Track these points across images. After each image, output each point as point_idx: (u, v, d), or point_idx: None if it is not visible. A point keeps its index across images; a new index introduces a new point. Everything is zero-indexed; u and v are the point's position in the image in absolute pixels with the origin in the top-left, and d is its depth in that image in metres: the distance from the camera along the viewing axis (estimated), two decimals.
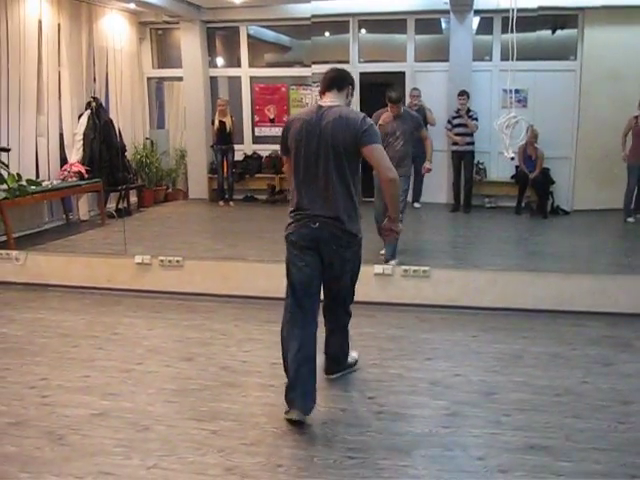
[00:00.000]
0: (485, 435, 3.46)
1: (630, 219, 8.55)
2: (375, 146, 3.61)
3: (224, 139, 10.24)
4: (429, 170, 6.69)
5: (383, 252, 6.34)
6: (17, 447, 3.34)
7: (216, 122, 10.17)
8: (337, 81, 3.81)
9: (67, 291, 6.23)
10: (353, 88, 3.88)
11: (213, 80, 11.22)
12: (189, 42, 10.74)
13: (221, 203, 10.33)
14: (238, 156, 10.85)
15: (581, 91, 9.37)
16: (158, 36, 11.20)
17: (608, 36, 9.17)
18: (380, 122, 6.13)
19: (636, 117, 8.56)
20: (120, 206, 9.27)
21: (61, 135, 8.88)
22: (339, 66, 4.03)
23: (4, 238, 7.07)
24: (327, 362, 4.18)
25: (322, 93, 3.83)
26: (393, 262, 6.10)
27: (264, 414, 3.72)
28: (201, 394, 3.98)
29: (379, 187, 5.91)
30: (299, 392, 3.61)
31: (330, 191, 3.65)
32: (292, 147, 3.74)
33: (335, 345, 4.13)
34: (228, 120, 10.19)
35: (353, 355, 4.33)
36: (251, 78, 11.03)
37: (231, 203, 10.35)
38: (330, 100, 3.76)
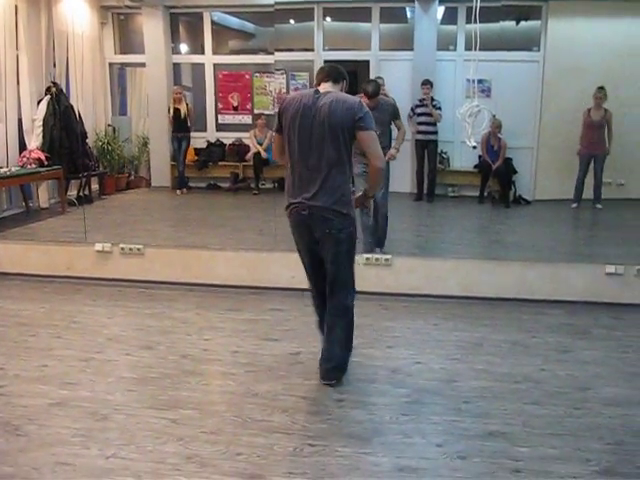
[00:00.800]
0: (445, 422, 3.48)
1: (574, 205, 8.77)
2: (371, 132, 3.72)
3: (180, 127, 10.16)
4: (393, 157, 6.53)
5: None
6: None
7: (171, 110, 10.08)
8: (333, 74, 3.88)
9: (26, 280, 6.13)
10: (347, 84, 3.96)
11: (176, 67, 11.11)
12: (152, 28, 10.59)
13: (177, 192, 10.24)
14: (201, 143, 10.78)
15: (544, 82, 9.47)
16: (120, 21, 11.02)
17: (572, 28, 9.28)
18: None
19: (589, 110, 8.70)
20: (81, 193, 9.13)
21: (20, 121, 8.69)
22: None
23: None
24: (328, 366, 3.98)
25: (317, 85, 3.89)
26: (378, 250, 6.10)
27: (224, 402, 3.70)
28: (161, 383, 3.94)
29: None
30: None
31: (324, 170, 3.71)
32: (287, 126, 3.78)
33: (340, 343, 3.98)
34: (183, 107, 10.11)
35: None
36: (215, 65, 10.94)
37: (184, 190, 10.28)
38: (326, 89, 3.82)
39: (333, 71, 3.90)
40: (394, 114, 6.37)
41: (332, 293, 3.95)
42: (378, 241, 6.28)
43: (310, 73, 10.29)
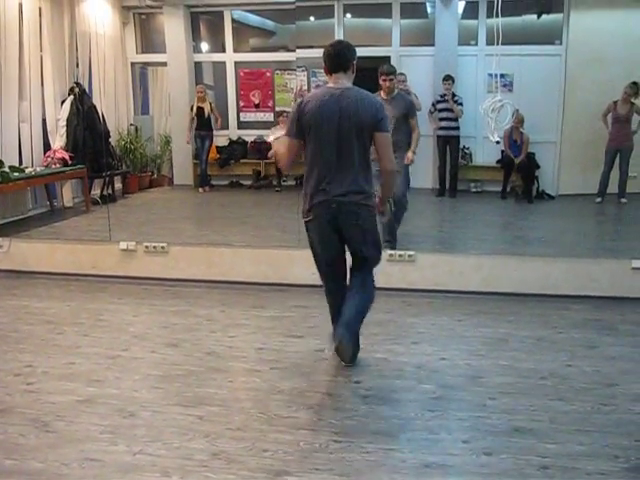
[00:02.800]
0: (470, 418, 3.47)
1: (598, 199, 8.67)
2: (387, 135, 3.79)
3: (203, 125, 10.19)
4: (411, 161, 6.44)
5: None
6: (2, 434, 3.32)
7: (194, 108, 10.12)
8: (342, 62, 3.84)
9: (52, 278, 6.19)
10: (356, 59, 3.91)
11: (197, 65, 11.14)
12: (173, 27, 10.64)
13: (200, 190, 10.28)
14: (223, 141, 10.82)
15: (566, 75, 9.39)
16: (142, 21, 11.08)
17: (593, 20, 9.18)
18: None
19: (615, 102, 8.61)
20: (105, 192, 9.20)
21: (44, 121, 8.78)
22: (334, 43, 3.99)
23: None
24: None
25: (329, 73, 3.88)
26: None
27: (250, 399, 3.72)
28: (187, 380, 3.97)
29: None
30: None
31: (350, 167, 3.79)
32: (309, 127, 3.79)
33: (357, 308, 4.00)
34: (207, 106, 10.15)
35: None
36: (236, 63, 10.96)
37: (206, 188, 10.32)
38: (341, 82, 3.83)
39: (341, 59, 3.84)
40: (408, 111, 6.25)
41: (360, 269, 4.09)
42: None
43: None
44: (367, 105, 3.74)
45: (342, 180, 3.80)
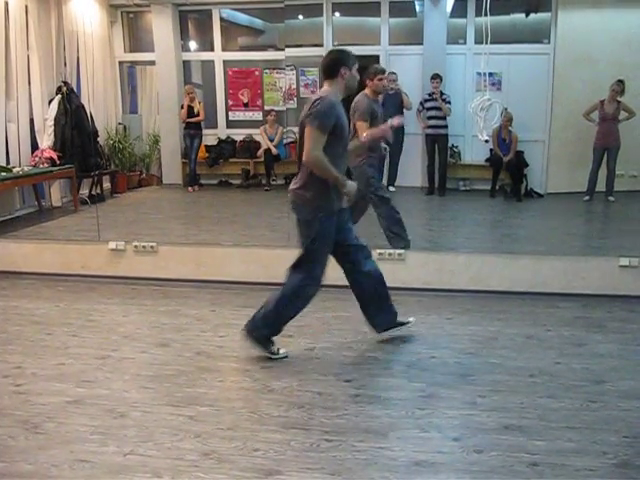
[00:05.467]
0: (461, 416, 3.49)
1: (586, 197, 8.73)
2: (312, 128, 3.89)
3: (192, 124, 10.18)
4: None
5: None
6: None
7: (185, 107, 10.10)
8: (327, 71, 4.06)
9: (40, 278, 6.16)
10: (347, 65, 4.02)
11: (186, 64, 11.10)
12: (161, 25, 10.60)
13: (189, 189, 10.26)
14: (212, 140, 10.79)
15: (554, 74, 9.42)
16: (129, 19, 11.03)
17: (581, 19, 9.22)
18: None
19: (602, 101, 8.65)
20: (93, 192, 9.17)
21: (31, 120, 8.72)
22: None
23: None
24: None
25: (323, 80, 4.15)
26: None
27: (240, 399, 3.72)
28: (177, 380, 3.96)
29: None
30: None
31: None
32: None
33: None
34: (196, 105, 10.13)
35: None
36: (224, 62, 10.94)
37: (196, 187, 10.29)
38: (322, 90, 4.06)
39: (325, 68, 4.08)
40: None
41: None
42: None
43: (320, 68, 10.30)
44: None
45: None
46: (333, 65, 4.03)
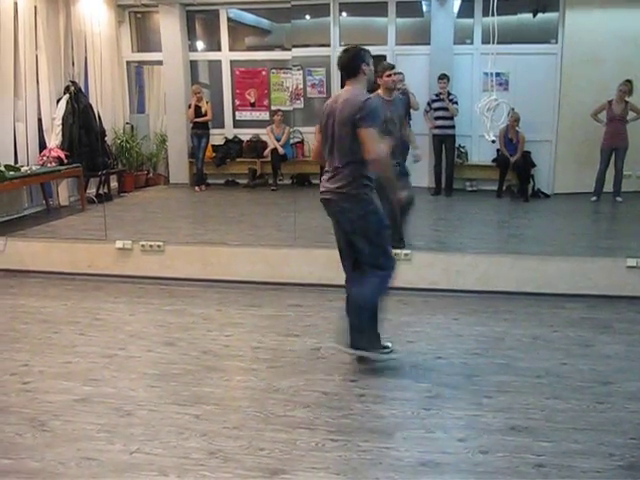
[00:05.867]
0: (466, 417, 3.49)
1: (593, 198, 8.68)
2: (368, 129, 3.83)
3: (200, 124, 10.19)
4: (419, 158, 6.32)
5: None
6: None
7: (192, 107, 10.12)
8: (349, 69, 4.05)
9: (48, 277, 6.19)
10: (366, 61, 4.06)
11: (193, 64, 11.12)
12: (168, 25, 10.62)
13: (196, 188, 10.27)
14: (219, 140, 10.80)
15: (562, 74, 9.39)
16: (137, 19, 11.06)
17: (589, 19, 9.19)
18: None
19: (610, 102, 8.62)
20: (100, 191, 9.19)
21: (39, 120, 8.75)
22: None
23: None
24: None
25: (343, 80, 4.10)
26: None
27: (246, 398, 3.73)
28: (183, 379, 3.97)
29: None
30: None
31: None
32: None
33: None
34: (204, 105, 10.14)
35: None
36: (231, 62, 10.95)
37: (202, 187, 10.30)
38: (352, 89, 4.00)
39: (347, 66, 4.04)
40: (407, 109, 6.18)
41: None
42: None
43: (327, 68, 10.29)
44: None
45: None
46: (355, 63, 4.03)
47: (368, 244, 3.98)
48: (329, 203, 4.01)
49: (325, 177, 4.04)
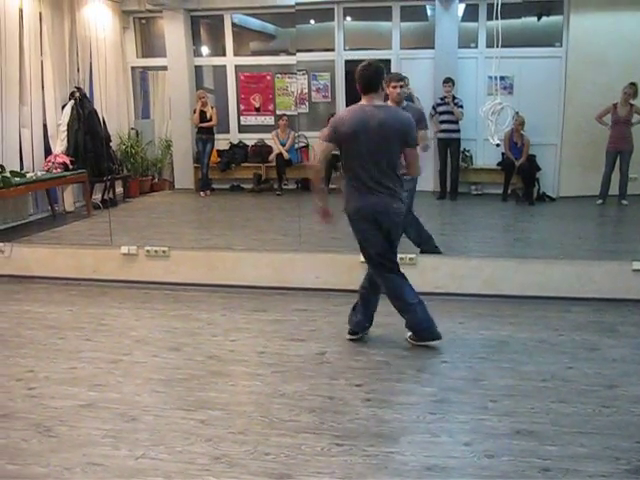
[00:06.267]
0: (472, 421, 3.48)
1: (599, 201, 8.65)
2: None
3: (204, 129, 10.21)
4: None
5: None
6: (4, 439, 3.33)
7: (197, 112, 10.14)
8: (373, 84, 4.24)
9: (53, 283, 6.21)
10: (385, 79, 4.41)
11: (198, 69, 11.13)
12: (173, 31, 10.65)
13: (201, 193, 10.28)
14: (224, 145, 10.82)
15: (567, 78, 9.37)
16: (142, 25, 11.08)
17: (593, 22, 9.17)
18: None
19: (615, 105, 8.61)
20: (106, 197, 9.20)
21: (45, 126, 8.79)
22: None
23: None
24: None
25: (362, 93, 4.28)
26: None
27: (252, 403, 3.73)
28: (189, 384, 3.98)
29: None
30: None
31: None
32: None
33: None
34: (209, 110, 10.16)
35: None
36: (236, 67, 10.95)
37: (207, 192, 10.30)
38: (377, 103, 4.28)
39: (371, 81, 4.24)
40: (418, 119, 5.99)
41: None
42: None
43: (331, 73, 10.30)
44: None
45: None
46: (378, 78, 4.25)
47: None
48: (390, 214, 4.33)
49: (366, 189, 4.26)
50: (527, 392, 3.80)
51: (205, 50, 11.55)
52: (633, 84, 8.45)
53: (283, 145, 10.30)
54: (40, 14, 8.49)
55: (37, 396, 3.83)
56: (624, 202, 8.59)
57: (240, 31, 11.22)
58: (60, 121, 8.87)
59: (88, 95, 9.21)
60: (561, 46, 9.55)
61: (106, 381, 4.04)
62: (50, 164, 8.49)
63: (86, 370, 4.21)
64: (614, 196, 8.62)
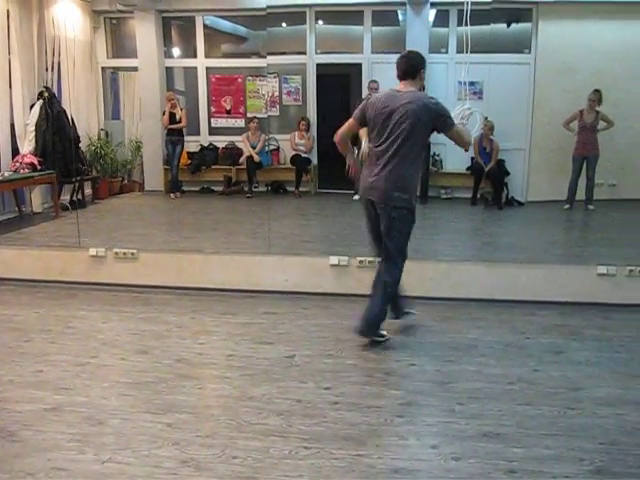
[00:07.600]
0: (439, 424, 3.50)
1: (566, 206, 8.79)
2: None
3: (174, 131, 10.17)
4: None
5: None
6: None
7: (167, 114, 10.08)
8: (411, 71, 4.46)
9: (19, 284, 6.12)
10: (424, 69, 4.57)
11: (169, 70, 11.09)
12: (144, 32, 10.58)
13: (171, 195, 10.23)
14: (194, 147, 10.78)
15: (535, 84, 9.51)
16: (112, 25, 11.00)
17: (562, 30, 9.32)
18: None
19: (581, 111, 8.74)
20: (74, 198, 9.11)
21: (12, 126, 8.67)
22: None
23: None
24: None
25: (398, 78, 4.49)
26: None
27: (219, 406, 3.71)
28: (156, 387, 3.95)
29: None
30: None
31: None
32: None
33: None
34: (178, 112, 10.11)
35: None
36: (207, 69, 10.94)
37: (177, 194, 10.25)
38: (413, 91, 4.42)
39: (411, 68, 4.47)
40: None
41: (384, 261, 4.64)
42: None
43: (302, 76, 10.33)
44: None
45: None
46: (418, 66, 4.47)
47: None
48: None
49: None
50: (494, 395, 3.84)
51: (176, 51, 11.51)
52: (597, 91, 8.60)
53: (254, 148, 10.29)
54: (7, 11, 8.35)
55: (1, 400, 3.76)
56: (590, 207, 8.73)
57: (211, 33, 11.20)
58: (28, 121, 8.75)
59: (57, 95, 9.11)
60: (530, 53, 9.70)
61: (72, 384, 3.99)
62: (18, 164, 8.38)
63: (52, 373, 4.15)
64: (581, 201, 8.75)
